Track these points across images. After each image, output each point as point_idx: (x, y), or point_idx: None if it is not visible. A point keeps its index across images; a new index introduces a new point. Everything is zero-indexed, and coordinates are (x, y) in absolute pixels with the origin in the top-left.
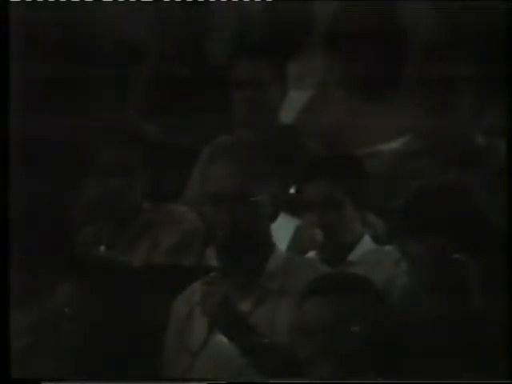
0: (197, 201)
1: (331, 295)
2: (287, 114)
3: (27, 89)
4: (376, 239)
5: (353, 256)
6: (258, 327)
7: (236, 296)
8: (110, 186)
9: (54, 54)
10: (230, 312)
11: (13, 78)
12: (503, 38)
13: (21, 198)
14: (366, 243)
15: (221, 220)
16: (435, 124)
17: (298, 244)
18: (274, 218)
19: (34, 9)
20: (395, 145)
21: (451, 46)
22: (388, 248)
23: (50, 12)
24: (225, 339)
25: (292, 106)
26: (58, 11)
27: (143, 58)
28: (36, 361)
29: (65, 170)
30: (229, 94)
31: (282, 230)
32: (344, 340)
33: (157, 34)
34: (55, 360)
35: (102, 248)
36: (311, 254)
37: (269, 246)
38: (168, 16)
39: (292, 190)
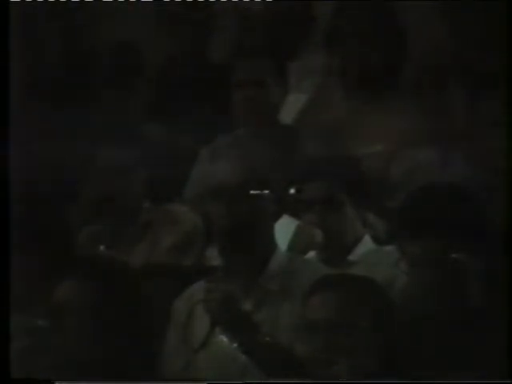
0: (197, 200)
1: (335, 293)
2: (287, 114)
3: (27, 89)
4: (376, 239)
5: (353, 256)
6: (259, 325)
7: (238, 294)
8: (110, 186)
9: (53, 53)
10: (231, 310)
11: (13, 78)
12: (503, 37)
13: (21, 198)
14: (366, 243)
15: (223, 219)
16: (435, 123)
17: (297, 244)
18: (276, 218)
19: (34, 9)
20: (394, 145)
21: (451, 45)
22: (388, 248)
23: (50, 12)
24: (226, 337)
25: (292, 106)
26: (58, 11)
27: (143, 58)
28: (36, 361)
29: (65, 170)
30: (229, 94)
31: (282, 229)
32: (348, 338)
33: (157, 34)
34: (55, 360)
35: (102, 248)
36: (311, 254)
37: (271, 245)
38: (168, 16)
39: (292, 190)
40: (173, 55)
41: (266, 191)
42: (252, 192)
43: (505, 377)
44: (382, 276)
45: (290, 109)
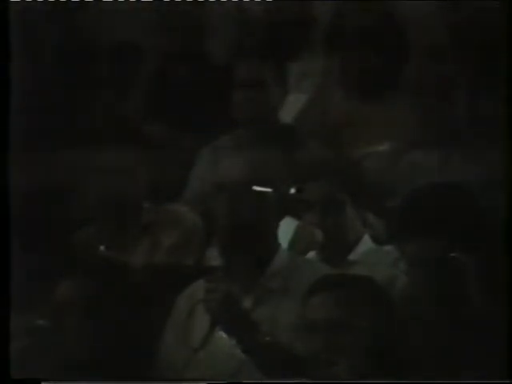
0: (197, 200)
1: (335, 293)
2: (287, 114)
3: (27, 89)
4: (376, 239)
5: (353, 256)
6: (259, 325)
7: (238, 294)
8: (110, 186)
9: (53, 53)
10: (232, 309)
11: (13, 78)
12: (503, 38)
13: (21, 197)
14: (366, 243)
15: (224, 219)
16: (434, 123)
17: (298, 244)
18: (279, 218)
19: (34, 9)
20: (394, 145)
21: (451, 45)
22: (388, 248)
23: (50, 12)
24: (226, 336)
25: (292, 106)
26: (58, 11)
27: (143, 58)
28: (36, 361)
29: (65, 170)
30: (229, 95)
31: (283, 229)
32: (347, 338)
33: (157, 34)
34: (55, 360)
35: (102, 248)
36: (311, 254)
37: (274, 245)
38: (168, 16)
39: (292, 190)
40: (173, 55)
41: (272, 191)
42: (254, 188)
43: (505, 377)
44: (381, 276)
45: (290, 109)
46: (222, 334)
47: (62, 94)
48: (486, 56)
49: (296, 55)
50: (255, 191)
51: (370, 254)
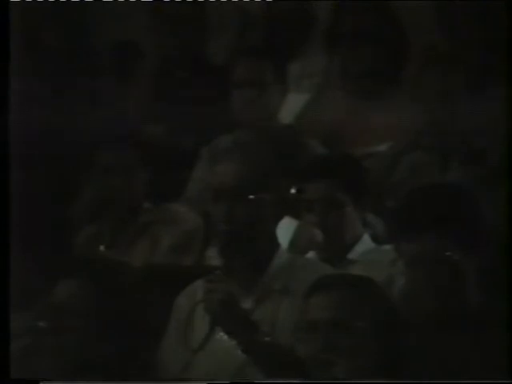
0: (198, 200)
1: (335, 293)
2: (287, 113)
3: (27, 89)
4: (375, 239)
5: (352, 255)
6: (259, 325)
7: (238, 294)
8: (110, 186)
9: (53, 53)
10: (232, 310)
11: (13, 78)
12: (503, 37)
13: (21, 197)
14: (366, 243)
15: (224, 220)
16: (435, 123)
17: (297, 244)
18: (278, 218)
19: (34, 9)
20: (394, 145)
21: (451, 45)
22: (387, 247)
23: (50, 12)
24: (226, 337)
25: (292, 105)
26: (58, 11)
27: (143, 58)
28: (36, 361)
29: (65, 170)
30: (229, 94)
31: (283, 229)
32: (347, 338)
33: (157, 34)
34: (55, 360)
35: (102, 248)
36: (311, 254)
37: (273, 245)
38: (168, 16)
39: (292, 191)
40: (173, 55)
41: (265, 194)
42: (251, 197)
43: (505, 377)
44: (380, 275)
45: (290, 109)
46: (222, 335)
47: (62, 93)
48: (486, 56)
49: (296, 55)
50: (254, 193)
51: (370, 253)
